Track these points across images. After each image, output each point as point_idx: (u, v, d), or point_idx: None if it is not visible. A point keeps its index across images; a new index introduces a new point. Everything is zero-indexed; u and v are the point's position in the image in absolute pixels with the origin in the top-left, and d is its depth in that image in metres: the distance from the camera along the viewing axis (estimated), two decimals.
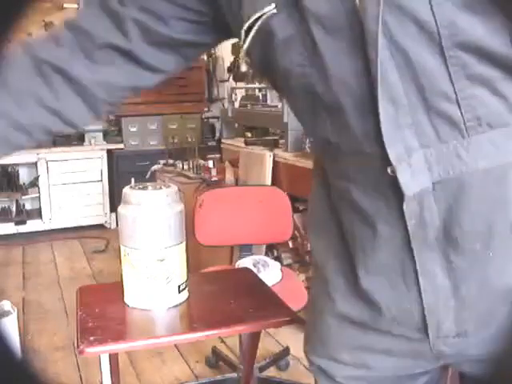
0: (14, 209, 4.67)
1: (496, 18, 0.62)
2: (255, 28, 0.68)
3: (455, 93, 0.64)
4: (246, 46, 0.71)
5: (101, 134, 4.82)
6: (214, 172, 3.13)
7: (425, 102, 0.64)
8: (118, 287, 1.35)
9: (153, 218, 1.26)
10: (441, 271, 0.68)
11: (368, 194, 0.70)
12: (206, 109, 5.28)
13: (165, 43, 0.78)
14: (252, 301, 1.37)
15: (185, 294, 1.35)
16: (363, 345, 0.81)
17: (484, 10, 0.61)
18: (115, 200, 4.62)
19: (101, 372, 1.22)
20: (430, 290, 0.69)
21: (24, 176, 4.73)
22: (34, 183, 4.66)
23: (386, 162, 0.65)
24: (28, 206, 4.75)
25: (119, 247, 1.31)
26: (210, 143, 4.91)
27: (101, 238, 4.48)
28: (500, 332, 0.71)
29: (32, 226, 4.61)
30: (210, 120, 5.31)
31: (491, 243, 0.67)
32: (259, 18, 0.67)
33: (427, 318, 0.71)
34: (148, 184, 1.32)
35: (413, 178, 0.65)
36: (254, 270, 1.76)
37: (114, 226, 4.79)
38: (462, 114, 0.64)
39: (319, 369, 0.86)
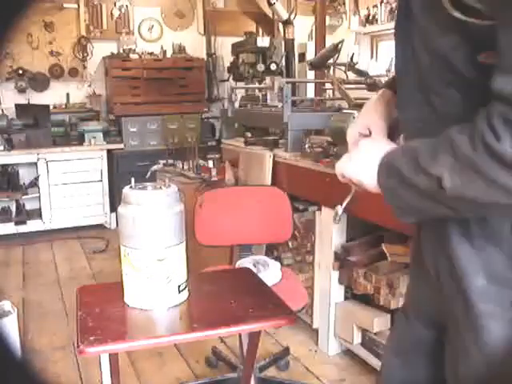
0: (13, 209, 4.68)
1: (462, 37, 0.73)
2: None
3: (437, 88, 0.81)
4: None
5: (101, 134, 4.81)
6: (214, 172, 3.13)
7: (423, 88, 0.83)
8: (118, 287, 1.35)
9: (153, 217, 1.26)
10: None
11: None
12: (205, 109, 5.28)
13: None
14: (252, 301, 1.37)
15: (185, 294, 1.35)
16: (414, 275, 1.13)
17: (453, 30, 0.73)
18: (115, 200, 4.62)
19: (101, 372, 1.22)
20: None
21: (24, 176, 4.72)
22: (34, 183, 4.65)
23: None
24: (28, 206, 4.74)
25: (119, 247, 1.31)
26: (209, 143, 4.91)
27: (101, 238, 4.48)
28: None
29: (32, 226, 4.61)
30: (210, 120, 5.32)
31: None
32: None
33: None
34: (148, 184, 1.32)
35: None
36: (254, 270, 1.76)
37: (113, 226, 4.80)
38: (440, 107, 0.81)
39: (402, 310, 1.17)
